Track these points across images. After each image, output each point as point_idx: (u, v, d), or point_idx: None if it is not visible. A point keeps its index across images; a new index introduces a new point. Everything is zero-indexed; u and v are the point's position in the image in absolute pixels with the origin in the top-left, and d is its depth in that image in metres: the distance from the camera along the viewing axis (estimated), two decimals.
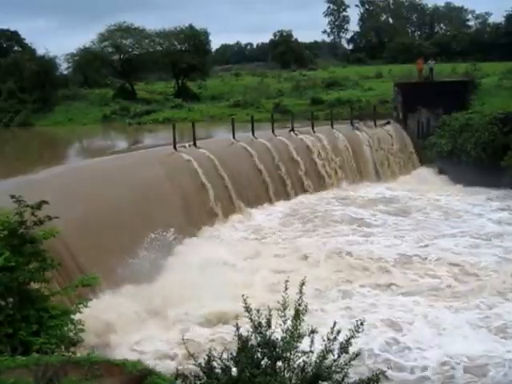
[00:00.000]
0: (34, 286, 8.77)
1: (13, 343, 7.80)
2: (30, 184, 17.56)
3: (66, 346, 8.48)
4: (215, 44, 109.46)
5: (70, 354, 8.29)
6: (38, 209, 8.82)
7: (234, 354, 6.18)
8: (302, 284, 6.61)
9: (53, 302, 8.95)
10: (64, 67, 64.46)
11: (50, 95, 56.63)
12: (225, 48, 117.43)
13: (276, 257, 20.58)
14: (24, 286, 8.48)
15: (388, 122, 36.83)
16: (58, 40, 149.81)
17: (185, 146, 26.48)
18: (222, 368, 6.10)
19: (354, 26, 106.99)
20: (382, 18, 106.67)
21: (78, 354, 8.09)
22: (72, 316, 8.86)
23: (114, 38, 62.56)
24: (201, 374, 6.10)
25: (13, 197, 8.76)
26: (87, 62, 61.85)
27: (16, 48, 72.28)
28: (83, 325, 8.90)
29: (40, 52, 63.65)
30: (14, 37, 73.31)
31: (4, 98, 56.98)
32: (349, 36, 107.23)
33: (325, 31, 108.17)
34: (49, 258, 8.83)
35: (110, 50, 63.41)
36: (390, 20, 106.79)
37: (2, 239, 8.29)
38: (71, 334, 8.69)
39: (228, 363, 6.12)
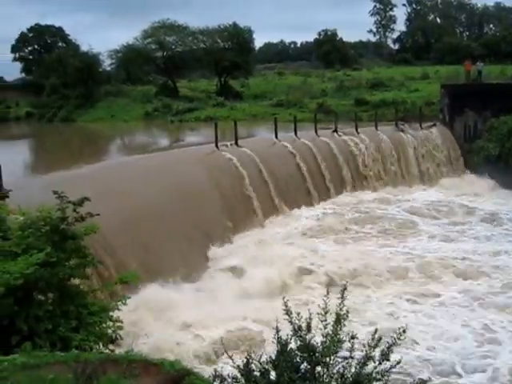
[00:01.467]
0: (74, 282, 8.76)
1: (52, 339, 7.79)
2: (71, 180, 17.63)
3: (104, 343, 8.44)
4: (259, 42, 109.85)
5: (108, 351, 8.25)
6: (79, 205, 8.80)
7: (273, 357, 6.01)
8: (344, 289, 6.42)
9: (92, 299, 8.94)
10: (107, 63, 65.53)
11: (93, 91, 57.46)
12: (268, 46, 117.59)
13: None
14: (64, 281, 8.48)
15: (434, 125, 36.11)
16: (102, 36, 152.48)
17: (226, 145, 26.41)
18: (260, 371, 5.93)
19: (400, 26, 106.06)
20: (430, 18, 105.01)
21: (116, 352, 8.03)
22: (111, 313, 8.81)
23: (157, 35, 63.17)
24: (239, 376, 5.93)
25: (55, 193, 8.75)
26: (130, 58, 62.57)
27: (60, 44, 73.73)
28: (122, 322, 8.84)
29: (84, 48, 64.95)
30: (58, 33, 74.75)
31: (47, 93, 58.15)
32: (395, 36, 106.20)
33: (370, 30, 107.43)
34: (89, 255, 8.81)
35: (154, 47, 64.07)
36: (438, 20, 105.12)
37: (44, 235, 8.28)
38: (110, 331, 8.64)
39: (267, 366, 5.95)
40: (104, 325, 8.59)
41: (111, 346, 8.60)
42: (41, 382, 5.31)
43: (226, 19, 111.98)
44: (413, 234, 23.53)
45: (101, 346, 8.38)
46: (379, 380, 5.82)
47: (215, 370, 5.97)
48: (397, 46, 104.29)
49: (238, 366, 5.90)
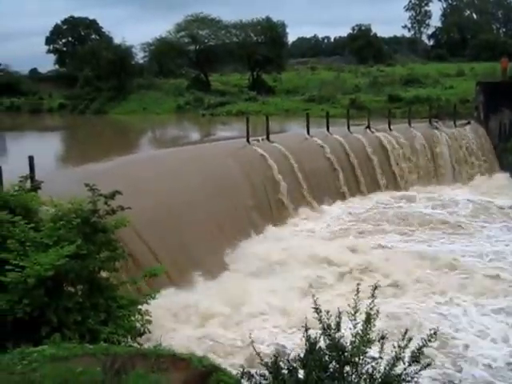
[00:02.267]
0: (104, 275, 8.78)
1: (81, 330, 7.81)
2: (102, 172, 17.74)
3: (132, 336, 8.46)
4: (292, 37, 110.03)
5: (137, 344, 8.26)
6: (111, 198, 8.82)
7: (302, 356, 5.95)
8: (375, 288, 6.37)
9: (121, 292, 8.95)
10: (140, 56, 66.13)
11: (125, 84, 57.96)
12: (301, 41, 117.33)
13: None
14: (94, 274, 8.49)
15: (468, 123, 35.56)
16: (135, 29, 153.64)
17: (258, 140, 26.36)
18: (288, 369, 5.89)
19: (435, 22, 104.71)
20: (466, 14, 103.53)
21: (144, 345, 8.03)
22: (139, 307, 8.81)
23: (190, 29, 63.48)
24: (267, 373, 5.90)
25: (87, 185, 8.78)
26: (163, 51, 62.99)
27: (94, 36, 74.63)
28: (150, 316, 8.84)
29: (117, 41, 65.61)
30: (92, 25, 75.67)
31: (80, 85, 58.85)
32: (430, 31, 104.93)
33: (405, 26, 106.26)
34: (120, 248, 8.82)
35: (186, 40, 64.40)
36: (474, 16, 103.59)
37: (75, 227, 8.30)
38: (138, 324, 8.64)
39: (295, 364, 5.91)
40: (132, 318, 8.58)
41: (139, 340, 8.59)
42: (69, 374, 5.33)
43: (260, 13, 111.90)
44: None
45: (129, 339, 8.38)
46: (408, 382, 5.76)
47: (243, 367, 5.96)
48: (432, 42, 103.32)
49: (266, 363, 5.89)
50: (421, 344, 5.88)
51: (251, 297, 15.51)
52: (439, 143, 33.09)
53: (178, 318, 14.16)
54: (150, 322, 8.79)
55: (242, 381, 5.87)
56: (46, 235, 8.17)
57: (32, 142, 37.20)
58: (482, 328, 14.45)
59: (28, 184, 10.06)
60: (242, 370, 5.99)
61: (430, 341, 5.90)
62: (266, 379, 5.84)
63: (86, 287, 8.34)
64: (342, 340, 5.86)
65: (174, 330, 13.44)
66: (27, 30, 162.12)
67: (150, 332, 8.86)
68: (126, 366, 5.37)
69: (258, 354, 6.07)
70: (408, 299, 16.07)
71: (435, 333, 5.95)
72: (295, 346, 9.96)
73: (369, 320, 6.04)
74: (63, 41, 76.33)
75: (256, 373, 5.89)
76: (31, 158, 14.34)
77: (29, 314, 7.41)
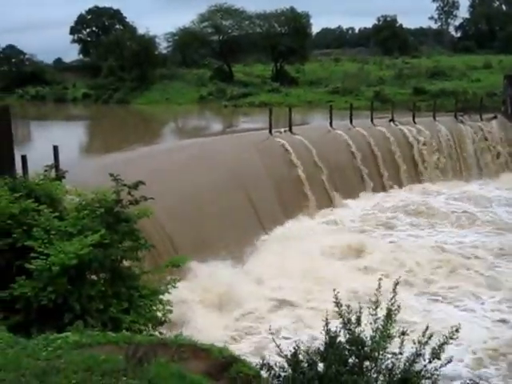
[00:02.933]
0: (126, 264, 8.86)
1: (103, 319, 7.89)
2: (126, 162, 17.86)
3: (153, 325, 8.53)
4: (316, 27, 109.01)
5: (157, 333, 8.33)
6: (134, 189, 8.88)
7: (321, 349, 5.95)
8: (396, 284, 6.33)
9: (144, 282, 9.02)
10: (163, 46, 66.30)
11: (149, 74, 58.19)
12: (325, 32, 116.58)
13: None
14: (117, 263, 8.56)
15: (495, 117, 35.06)
16: (159, 19, 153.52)
17: (280, 132, 26.32)
18: (308, 362, 5.89)
19: (463, 13, 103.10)
20: (495, 5, 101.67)
21: (164, 333, 8.11)
22: (161, 296, 8.87)
23: (214, 19, 63.43)
24: (286, 366, 5.91)
25: (111, 175, 8.85)
26: (186, 41, 63.08)
27: (117, 26, 74.84)
28: (171, 306, 8.90)
29: (141, 31, 65.77)
30: (116, 15, 75.97)
31: (104, 75, 59.23)
32: (457, 23, 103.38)
33: (432, 17, 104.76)
34: (142, 238, 8.88)
35: (210, 30, 64.37)
36: (503, 7, 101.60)
37: (99, 216, 8.39)
38: (159, 314, 8.71)
39: (314, 358, 5.90)
40: (154, 307, 8.63)
41: (160, 329, 8.66)
42: (93, 361, 5.37)
43: (284, 3, 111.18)
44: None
45: (150, 328, 8.45)
46: (428, 378, 5.73)
47: (262, 359, 5.98)
48: (459, 34, 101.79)
49: (286, 355, 5.90)
50: (442, 341, 5.87)
51: None
52: (464, 137, 32.71)
53: None
54: (170, 311, 8.86)
55: (262, 372, 5.89)
56: (70, 224, 8.26)
57: (56, 131, 37.56)
58: None
59: (53, 173, 10.18)
60: (261, 361, 6.02)
61: (451, 338, 5.87)
62: (285, 371, 5.86)
63: (108, 276, 8.41)
64: (362, 335, 5.86)
65: None
66: (52, 20, 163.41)
67: (170, 321, 8.93)
68: (148, 355, 5.39)
69: (278, 345, 6.09)
70: None
71: (457, 330, 5.90)
72: None
73: (389, 315, 6.03)
74: (87, 31, 76.77)
75: (275, 364, 5.92)
76: (56, 148, 14.48)
77: (53, 301, 7.50)
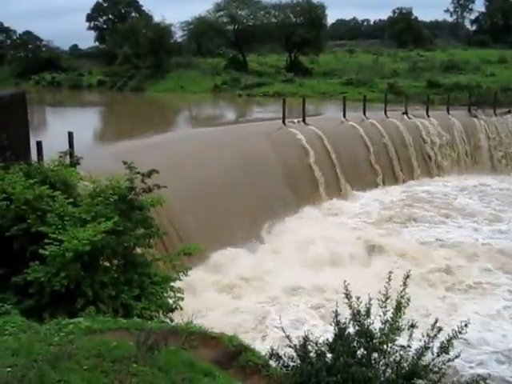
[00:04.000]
0: (138, 251, 8.91)
1: (115, 305, 7.96)
2: (140, 150, 17.93)
3: (164, 312, 8.59)
4: (331, 18, 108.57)
5: (168, 320, 8.39)
6: (148, 177, 8.94)
7: (330, 341, 5.97)
8: (407, 276, 6.31)
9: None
10: (179, 35, 66.16)
11: (164, 62, 58.13)
12: (340, 23, 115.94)
13: None
14: (129, 250, 8.63)
15: (509, 111, 34.84)
16: (175, 8, 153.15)
17: (294, 122, 26.37)
18: (316, 352, 5.91)
19: (479, 6, 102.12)
20: None
21: (175, 320, 8.14)
22: (172, 283, 8.92)
23: (229, 9, 63.27)
24: (295, 356, 5.94)
25: (125, 163, 8.90)
26: (202, 31, 62.96)
27: (133, 14, 74.81)
28: (183, 293, 8.95)
29: (156, 19, 65.67)
30: (132, 3, 75.93)
31: (119, 62, 59.27)
32: (473, 16, 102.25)
33: (447, 10, 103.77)
34: (155, 226, 8.94)
35: (225, 20, 64.20)
36: None
37: (112, 203, 8.44)
38: (170, 301, 8.76)
39: (323, 349, 5.93)
40: (165, 294, 8.70)
41: (170, 315, 8.71)
42: (104, 347, 5.39)
43: None
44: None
45: (161, 314, 8.50)
46: (436, 372, 5.74)
47: (272, 349, 6.00)
48: (474, 27, 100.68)
49: (295, 345, 5.92)
50: (451, 335, 5.86)
51: None
52: (478, 132, 32.50)
53: None
54: (182, 298, 8.91)
55: (271, 361, 5.93)
56: (84, 210, 8.32)
57: (72, 117, 37.70)
58: None
59: (67, 159, 10.25)
60: (270, 351, 6.05)
61: (460, 332, 5.86)
62: (294, 361, 5.89)
63: (121, 263, 8.49)
64: (371, 327, 5.88)
65: None
66: (70, 7, 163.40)
67: (181, 308, 8.98)
68: (159, 342, 5.40)
69: (288, 336, 6.11)
70: None
71: (466, 325, 5.89)
72: None
73: (399, 308, 6.03)
74: (104, 18, 76.83)
75: (284, 354, 5.95)
76: (70, 134, 14.55)
77: (65, 287, 7.58)
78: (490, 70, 50.20)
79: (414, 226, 21.77)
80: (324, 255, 17.37)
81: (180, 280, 9.12)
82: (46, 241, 7.75)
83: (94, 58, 68.19)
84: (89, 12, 76.08)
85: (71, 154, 11.10)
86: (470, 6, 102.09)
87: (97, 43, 77.70)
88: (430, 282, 16.36)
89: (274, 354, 5.97)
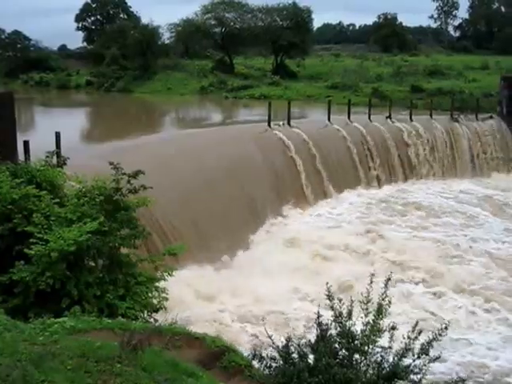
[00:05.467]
0: (124, 251, 8.95)
1: (100, 304, 8.02)
2: (126, 151, 17.97)
3: (148, 312, 8.63)
4: (317, 23, 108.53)
5: (153, 320, 8.44)
6: (134, 178, 8.98)
7: (312, 342, 6.06)
8: (388, 279, 6.41)
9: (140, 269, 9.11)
10: (166, 37, 66.02)
11: (151, 64, 58.02)
12: (326, 27, 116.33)
13: None
14: (114, 250, 8.67)
15: (490, 117, 35.27)
16: (163, 10, 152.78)
17: (279, 124, 26.52)
18: (299, 354, 5.98)
19: (463, 13, 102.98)
20: (494, 6, 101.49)
21: (159, 320, 8.19)
22: (157, 284, 8.97)
23: (217, 11, 63.31)
24: (277, 356, 6.01)
25: (111, 164, 8.94)
26: (189, 33, 62.86)
27: (122, 16, 74.53)
28: (167, 293, 9.00)
29: (144, 21, 65.52)
30: (120, 4, 75.61)
31: (107, 63, 59.02)
32: (456, 23, 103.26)
33: (431, 16, 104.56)
34: (140, 226, 8.98)
35: (213, 22, 64.20)
36: (503, 8, 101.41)
37: (98, 204, 8.49)
38: (155, 301, 8.81)
39: (305, 350, 6.00)
40: (150, 295, 8.76)
41: (155, 315, 8.76)
42: (88, 347, 5.42)
43: None
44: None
45: (145, 314, 8.55)
46: (416, 373, 5.84)
47: (254, 350, 6.06)
48: (458, 34, 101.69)
49: (278, 346, 5.98)
50: (431, 337, 5.97)
51: None
52: (460, 136, 32.93)
53: None
54: (166, 298, 8.97)
55: (253, 362, 6.00)
56: (69, 211, 8.37)
57: (59, 117, 37.51)
58: None
59: (54, 160, 10.26)
60: (253, 351, 6.11)
61: (440, 334, 5.97)
62: (277, 362, 5.96)
63: (106, 263, 8.54)
64: (352, 328, 5.98)
65: None
66: (58, 7, 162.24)
67: (165, 308, 9.03)
68: (143, 342, 5.41)
69: (270, 336, 6.18)
70: None
71: (446, 327, 6.00)
72: None
73: (380, 310, 6.12)
74: (92, 19, 76.45)
75: (267, 355, 6.02)
76: (58, 134, 14.54)
77: (51, 287, 7.64)
78: (473, 76, 50.73)
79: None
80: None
81: (165, 280, 9.17)
82: (31, 240, 7.79)
83: (82, 59, 67.76)
84: (77, 12, 75.77)
85: (58, 154, 11.11)
86: (453, 13, 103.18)
87: (85, 44, 77.32)
88: None
89: (257, 355, 6.03)
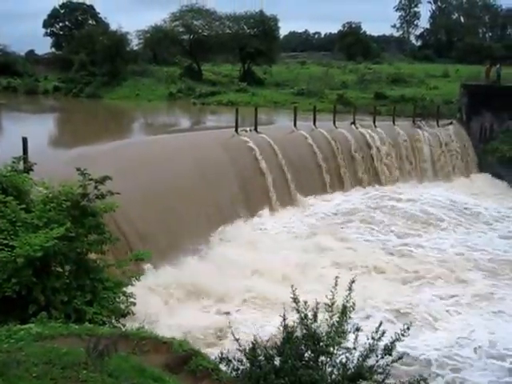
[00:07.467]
0: (91, 256, 8.93)
1: (67, 310, 7.96)
2: (94, 156, 17.86)
3: (116, 317, 8.63)
4: (283, 31, 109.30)
5: (120, 325, 8.44)
6: (101, 183, 8.96)
7: (278, 344, 6.17)
8: (352, 282, 6.58)
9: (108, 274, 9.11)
10: (135, 43, 65.69)
11: (120, 70, 57.63)
12: (293, 35, 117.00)
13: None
14: (82, 256, 8.63)
15: (451, 123, 36.23)
16: (131, 17, 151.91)
17: (246, 130, 26.77)
18: (265, 356, 6.09)
19: (424, 23, 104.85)
20: (454, 17, 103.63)
21: (127, 325, 8.21)
22: (124, 289, 8.98)
23: (185, 19, 63.32)
24: (244, 359, 6.10)
25: (78, 169, 8.92)
26: (158, 39, 62.80)
27: (90, 22, 73.93)
28: (135, 298, 9.01)
29: (113, 27, 65.11)
30: (89, 10, 74.97)
31: (76, 69, 58.49)
32: (418, 32, 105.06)
33: (394, 25, 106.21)
34: (108, 232, 8.98)
35: (181, 29, 64.11)
36: (462, 19, 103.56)
37: (65, 210, 8.44)
38: (122, 306, 8.81)
39: (272, 352, 6.11)
40: (117, 300, 8.75)
41: (123, 320, 8.75)
42: (54, 354, 5.39)
43: (254, 6, 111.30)
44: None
45: (113, 319, 8.54)
46: (380, 373, 6.00)
47: (221, 353, 6.15)
48: (419, 43, 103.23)
49: (244, 349, 6.09)
50: (394, 337, 6.14)
51: None
52: (421, 142, 33.74)
53: None
54: (134, 303, 8.97)
55: (221, 365, 6.08)
56: (36, 216, 8.30)
57: (27, 123, 36.97)
58: None
59: (21, 165, 10.18)
60: (220, 355, 6.19)
61: (403, 335, 6.13)
62: (244, 365, 6.05)
63: (73, 268, 8.46)
64: (318, 330, 6.10)
65: None
66: (26, 12, 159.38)
67: (133, 313, 9.03)
68: (109, 348, 5.38)
69: (237, 339, 6.26)
70: None
71: (408, 328, 6.16)
72: None
73: (345, 312, 6.27)
74: (60, 25, 75.56)
75: (234, 358, 6.11)
76: (25, 140, 14.42)
77: (17, 293, 7.56)
78: (434, 84, 51.62)
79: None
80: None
81: (132, 285, 9.18)
82: None
83: (50, 64, 66.78)
84: (45, 18, 74.88)
85: (25, 159, 11.01)
86: (415, 23, 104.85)
87: (53, 49, 76.41)
88: None
89: (224, 358, 6.13)
